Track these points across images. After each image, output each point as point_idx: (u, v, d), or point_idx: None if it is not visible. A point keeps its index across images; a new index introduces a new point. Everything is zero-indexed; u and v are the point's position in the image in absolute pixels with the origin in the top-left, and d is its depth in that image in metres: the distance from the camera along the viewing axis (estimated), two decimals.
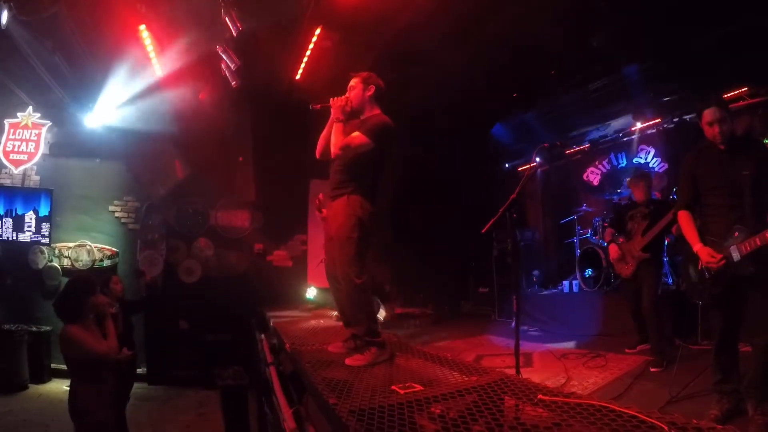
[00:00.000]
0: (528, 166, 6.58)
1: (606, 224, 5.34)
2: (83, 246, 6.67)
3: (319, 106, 2.95)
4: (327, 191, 2.98)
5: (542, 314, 6.43)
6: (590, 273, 6.32)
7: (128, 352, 3.42)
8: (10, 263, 6.45)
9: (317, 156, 3.08)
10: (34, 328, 6.04)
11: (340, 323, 3.43)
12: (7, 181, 6.60)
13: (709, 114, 2.68)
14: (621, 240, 4.50)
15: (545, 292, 7.30)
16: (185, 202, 7.23)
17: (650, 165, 6.61)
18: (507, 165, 8.92)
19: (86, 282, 3.20)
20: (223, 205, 7.43)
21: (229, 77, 5.79)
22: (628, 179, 5.28)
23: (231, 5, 4.84)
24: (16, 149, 6.49)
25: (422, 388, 2.04)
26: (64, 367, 3.10)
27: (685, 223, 2.83)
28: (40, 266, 6.49)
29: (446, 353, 2.91)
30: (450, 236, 7.95)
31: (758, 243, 2.40)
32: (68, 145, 6.76)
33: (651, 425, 1.43)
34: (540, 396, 1.82)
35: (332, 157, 2.81)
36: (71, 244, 6.65)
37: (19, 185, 6.60)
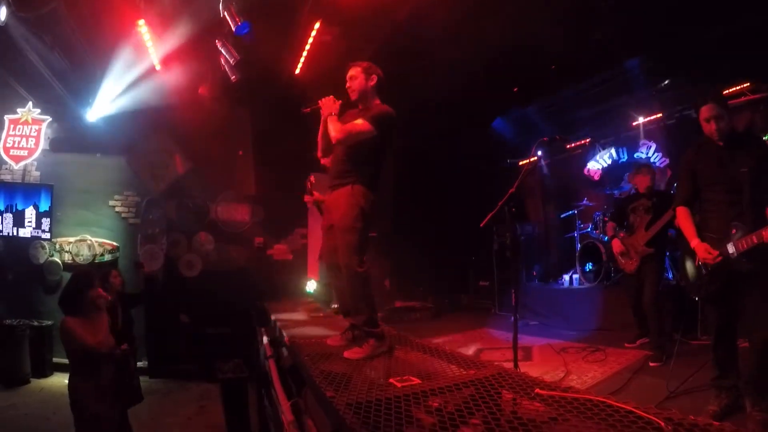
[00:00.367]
0: (528, 161, 6.58)
1: (607, 218, 5.32)
2: (84, 241, 6.67)
3: (309, 109, 2.93)
4: (328, 180, 2.96)
5: (542, 308, 6.44)
6: (590, 267, 6.33)
7: (124, 346, 3.43)
8: (11, 259, 6.44)
9: (319, 156, 3.07)
10: (35, 323, 6.05)
11: (340, 316, 3.43)
12: (8, 177, 6.58)
13: (705, 111, 2.68)
14: (622, 235, 4.44)
15: (545, 286, 7.31)
16: (185, 197, 7.21)
17: (651, 160, 6.58)
18: (508, 161, 8.89)
19: (86, 276, 3.22)
20: (224, 199, 7.42)
21: (228, 72, 5.78)
22: (629, 173, 5.25)
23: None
24: (16, 145, 6.48)
25: (420, 382, 2.05)
26: (66, 360, 3.13)
27: (683, 218, 2.83)
28: (41, 261, 6.49)
29: (445, 346, 2.92)
30: (450, 230, 7.95)
31: (755, 241, 2.40)
32: (68, 141, 6.74)
33: (648, 421, 1.43)
34: (537, 390, 1.82)
35: (333, 143, 2.79)
36: (72, 239, 6.65)
37: (20, 181, 6.58)
